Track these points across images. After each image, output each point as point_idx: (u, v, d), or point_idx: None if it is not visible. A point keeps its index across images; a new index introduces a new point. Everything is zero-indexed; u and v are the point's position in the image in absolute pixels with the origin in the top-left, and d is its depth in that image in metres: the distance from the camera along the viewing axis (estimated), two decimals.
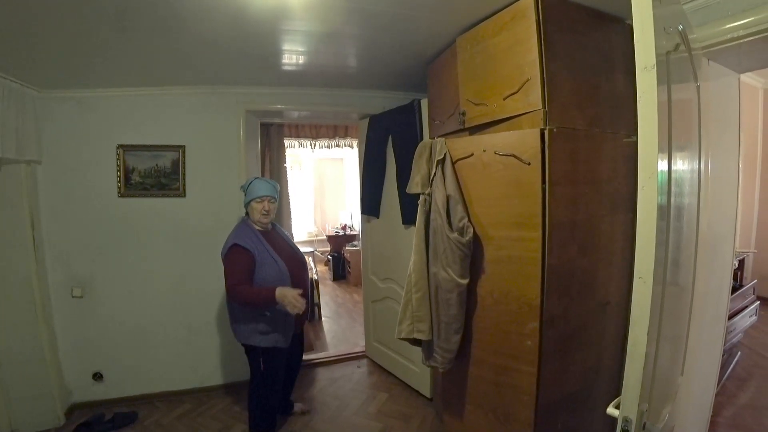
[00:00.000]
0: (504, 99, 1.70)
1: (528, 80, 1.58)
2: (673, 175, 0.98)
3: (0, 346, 2.38)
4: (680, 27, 1.07)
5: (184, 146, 2.81)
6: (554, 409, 1.71)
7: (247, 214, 2.26)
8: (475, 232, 1.81)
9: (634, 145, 0.87)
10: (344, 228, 7.10)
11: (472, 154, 1.83)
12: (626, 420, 0.88)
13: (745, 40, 1.41)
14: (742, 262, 3.21)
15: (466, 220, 1.82)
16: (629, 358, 0.88)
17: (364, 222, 3.43)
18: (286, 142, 4.83)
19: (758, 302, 3.04)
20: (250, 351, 2.20)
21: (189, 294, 2.91)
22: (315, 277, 4.59)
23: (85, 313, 2.74)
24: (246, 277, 2.05)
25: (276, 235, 2.34)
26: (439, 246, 1.87)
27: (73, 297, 2.71)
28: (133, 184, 2.77)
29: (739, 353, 3.13)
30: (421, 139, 2.58)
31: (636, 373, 0.86)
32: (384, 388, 3.01)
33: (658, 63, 0.83)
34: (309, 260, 4.32)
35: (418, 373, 2.85)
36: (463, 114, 1.96)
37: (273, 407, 2.30)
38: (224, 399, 2.89)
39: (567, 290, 1.66)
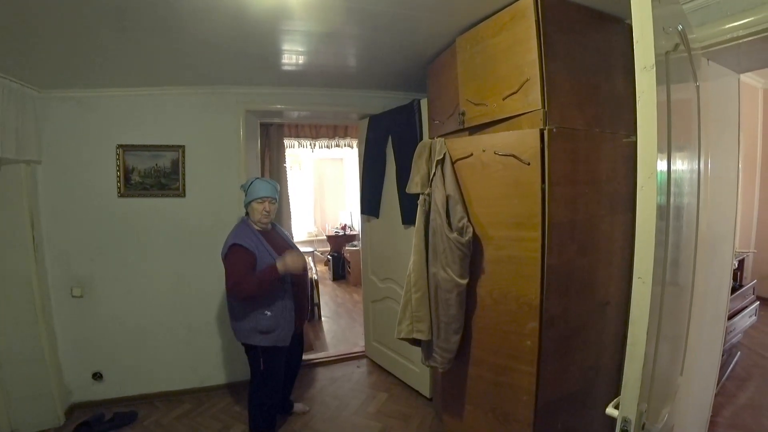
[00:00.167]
0: (504, 99, 1.70)
1: (527, 80, 1.58)
2: (672, 175, 0.98)
3: (0, 345, 2.38)
4: (680, 27, 1.07)
5: (184, 146, 2.82)
6: (554, 409, 1.71)
7: (247, 213, 2.26)
8: (474, 232, 1.81)
9: (634, 145, 0.87)
10: (344, 228, 7.10)
11: (472, 154, 1.83)
12: (625, 420, 0.88)
13: (745, 40, 1.41)
14: (741, 263, 3.21)
15: (465, 220, 1.82)
16: (628, 358, 0.88)
17: (364, 222, 3.43)
18: (286, 142, 4.83)
19: (758, 302, 3.03)
20: (250, 350, 2.20)
21: (189, 294, 2.91)
22: (315, 277, 4.59)
23: (85, 312, 2.74)
24: (247, 276, 2.06)
25: (276, 235, 2.34)
26: (438, 246, 1.87)
27: (72, 297, 2.71)
28: (133, 184, 2.77)
29: (738, 353, 3.13)
30: (421, 139, 2.58)
31: (635, 373, 0.86)
32: (384, 388, 3.01)
33: (658, 63, 0.83)
34: (309, 260, 4.32)
35: (417, 373, 2.85)
36: (463, 114, 1.96)
37: (273, 407, 2.30)
38: (224, 399, 2.89)
39: (566, 290, 1.66)
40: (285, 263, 2.06)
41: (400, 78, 2.82)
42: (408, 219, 2.65)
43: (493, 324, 1.81)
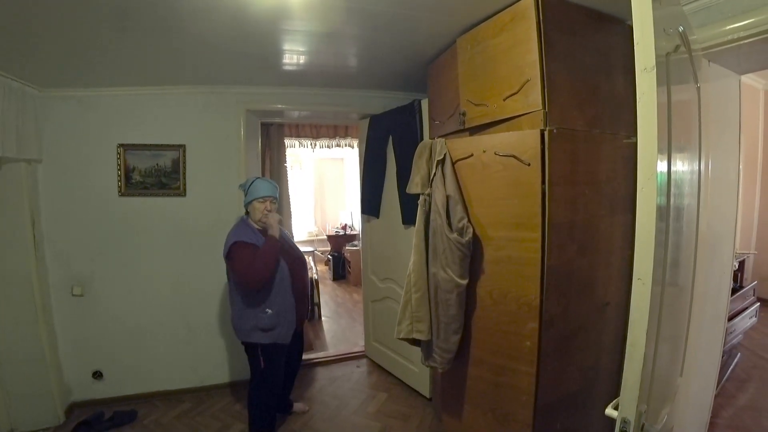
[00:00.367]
0: (504, 100, 1.70)
1: (528, 81, 1.58)
2: (672, 176, 0.98)
3: (0, 344, 2.38)
4: (680, 28, 1.07)
5: (185, 145, 2.82)
6: (553, 410, 1.71)
7: (247, 213, 2.26)
8: (474, 233, 1.81)
9: (634, 146, 0.87)
10: (344, 228, 7.10)
11: (472, 155, 1.82)
12: (625, 421, 0.88)
13: (746, 41, 1.41)
14: (742, 264, 3.21)
15: (465, 220, 1.82)
16: (628, 358, 0.88)
17: (364, 222, 3.43)
18: (287, 141, 4.84)
19: (758, 303, 3.03)
20: (250, 349, 2.20)
21: (189, 293, 2.91)
22: (315, 276, 4.59)
23: (85, 311, 2.74)
24: (255, 262, 2.07)
25: None
26: (438, 246, 1.87)
27: (73, 296, 2.71)
28: (133, 183, 2.77)
29: (738, 354, 3.13)
30: (421, 139, 2.58)
31: (635, 374, 0.86)
32: (383, 387, 3.01)
33: (658, 64, 0.83)
34: (309, 260, 4.32)
35: (417, 373, 2.85)
36: (463, 114, 1.96)
37: (272, 406, 2.30)
38: (224, 398, 2.89)
39: (566, 291, 1.66)
40: (269, 224, 2.15)
41: (400, 78, 2.82)
42: (408, 219, 2.65)
43: (493, 324, 1.81)
